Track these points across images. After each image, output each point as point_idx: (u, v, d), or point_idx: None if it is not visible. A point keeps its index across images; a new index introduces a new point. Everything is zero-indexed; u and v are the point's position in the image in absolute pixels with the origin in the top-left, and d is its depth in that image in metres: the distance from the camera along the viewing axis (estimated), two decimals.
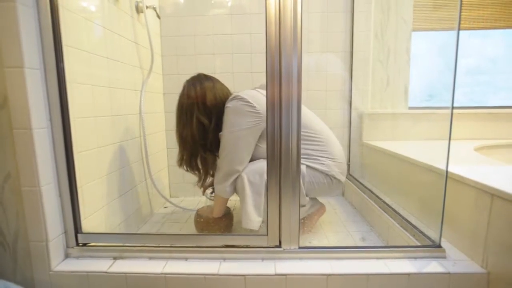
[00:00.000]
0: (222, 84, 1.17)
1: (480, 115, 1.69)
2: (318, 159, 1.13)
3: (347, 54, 1.67)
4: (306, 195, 1.14)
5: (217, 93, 1.11)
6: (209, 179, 1.30)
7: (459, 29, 0.86)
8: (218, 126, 1.11)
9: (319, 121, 1.19)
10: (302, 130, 1.09)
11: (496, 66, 1.91)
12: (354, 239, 1.19)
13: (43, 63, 0.79)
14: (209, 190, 1.40)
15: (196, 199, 1.75)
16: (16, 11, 0.71)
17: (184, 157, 1.16)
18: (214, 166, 1.20)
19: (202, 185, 1.30)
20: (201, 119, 1.09)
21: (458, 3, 0.88)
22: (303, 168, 1.10)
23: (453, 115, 1.71)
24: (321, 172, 1.12)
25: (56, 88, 0.81)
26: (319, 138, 1.13)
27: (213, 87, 1.11)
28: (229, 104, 1.07)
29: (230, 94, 1.16)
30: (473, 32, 1.83)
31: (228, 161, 1.08)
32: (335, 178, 1.14)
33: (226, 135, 1.07)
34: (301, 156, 1.11)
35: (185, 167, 1.19)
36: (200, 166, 1.19)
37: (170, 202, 1.62)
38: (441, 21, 1.78)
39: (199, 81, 1.12)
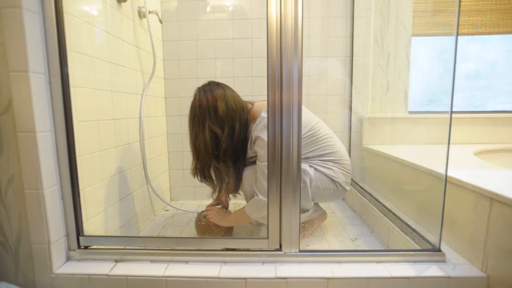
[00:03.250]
0: (233, 91, 1.14)
1: (479, 120, 1.70)
2: (326, 163, 1.13)
3: (348, 59, 1.69)
4: (311, 200, 1.14)
5: (228, 102, 1.08)
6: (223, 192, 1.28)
7: (457, 34, 0.87)
8: (231, 135, 1.08)
9: (326, 126, 1.20)
10: (309, 131, 1.11)
11: (496, 70, 1.92)
12: (354, 243, 1.19)
13: (47, 68, 0.80)
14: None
15: (197, 203, 1.75)
16: (22, 16, 0.72)
17: (198, 167, 1.14)
18: (227, 178, 1.18)
19: (217, 198, 1.28)
20: (213, 129, 1.07)
21: (457, 9, 0.89)
22: (311, 171, 1.10)
23: (453, 120, 1.72)
24: (328, 177, 1.12)
25: (60, 92, 0.82)
26: (327, 141, 1.14)
27: (224, 95, 1.09)
28: (260, 135, 1.02)
29: (242, 101, 1.13)
30: (472, 37, 1.85)
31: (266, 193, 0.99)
32: (340, 185, 1.14)
33: (264, 169, 1.01)
34: (309, 159, 1.13)
35: (199, 177, 1.17)
36: (213, 177, 1.17)
37: (170, 205, 1.63)
38: (440, 26, 1.79)
39: (210, 89, 1.10)
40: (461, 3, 1.80)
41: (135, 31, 1.36)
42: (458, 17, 0.88)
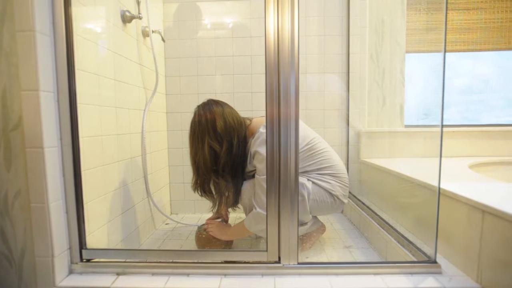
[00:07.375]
0: (232, 108, 1.18)
1: (474, 133, 1.73)
2: (324, 177, 1.16)
3: (344, 75, 1.74)
4: (310, 213, 1.16)
5: (226, 118, 1.12)
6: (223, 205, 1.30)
7: (445, 51, 0.93)
8: (229, 151, 1.12)
9: (324, 140, 1.23)
10: (307, 145, 1.14)
11: (488, 85, 1.97)
12: (352, 255, 1.20)
13: (56, 86, 0.84)
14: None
15: (197, 216, 1.77)
16: (35, 39, 0.77)
17: (198, 182, 1.17)
18: (227, 192, 1.20)
19: (217, 211, 1.31)
20: (212, 145, 1.10)
21: (444, 27, 0.95)
22: (309, 184, 1.13)
23: (448, 133, 1.75)
24: (326, 190, 1.14)
25: (68, 109, 0.86)
26: (324, 154, 1.17)
27: (222, 112, 1.13)
28: (259, 149, 1.06)
29: (240, 118, 1.17)
30: (464, 54, 1.91)
31: (265, 206, 0.99)
32: (338, 198, 1.16)
33: (262, 182, 1.05)
34: (307, 173, 1.16)
35: (199, 192, 1.20)
36: (213, 191, 1.20)
37: (170, 219, 1.64)
38: (432, 43, 1.86)
39: (209, 107, 1.14)
40: (453, 22, 1.87)
41: (138, 50, 1.41)
42: (445, 35, 0.93)
